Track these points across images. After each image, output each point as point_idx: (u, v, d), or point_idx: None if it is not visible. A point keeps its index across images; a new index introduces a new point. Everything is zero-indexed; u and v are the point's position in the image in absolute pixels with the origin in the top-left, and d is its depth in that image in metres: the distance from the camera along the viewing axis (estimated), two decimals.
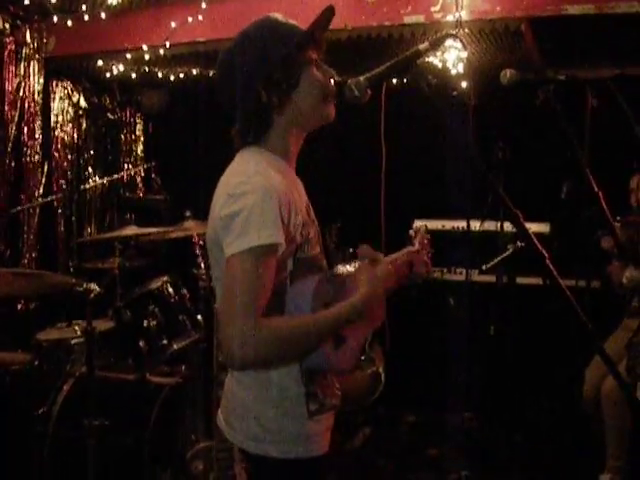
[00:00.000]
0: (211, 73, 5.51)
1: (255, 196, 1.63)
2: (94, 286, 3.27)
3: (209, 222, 1.79)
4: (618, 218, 3.65)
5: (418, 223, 2.42)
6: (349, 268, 1.84)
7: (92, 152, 5.92)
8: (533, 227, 4.39)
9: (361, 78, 1.74)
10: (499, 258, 4.00)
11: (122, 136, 6.29)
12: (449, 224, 4.92)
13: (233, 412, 1.84)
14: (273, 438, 1.76)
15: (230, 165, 1.84)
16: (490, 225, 4.33)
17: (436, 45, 1.74)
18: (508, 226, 4.02)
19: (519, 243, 3.93)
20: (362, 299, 1.72)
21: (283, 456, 1.76)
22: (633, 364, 3.49)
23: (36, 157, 5.18)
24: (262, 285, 1.60)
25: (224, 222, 1.66)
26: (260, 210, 1.62)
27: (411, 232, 2.43)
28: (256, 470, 1.79)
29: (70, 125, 5.68)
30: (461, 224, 4.84)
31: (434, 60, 4.32)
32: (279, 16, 1.87)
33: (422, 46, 1.73)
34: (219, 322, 1.61)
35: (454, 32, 3.89)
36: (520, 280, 4.32)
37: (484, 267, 4.03)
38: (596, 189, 2.42)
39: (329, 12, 1.83)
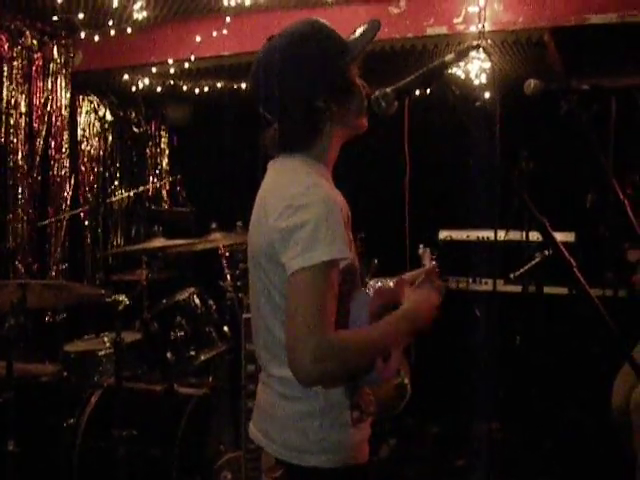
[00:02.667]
0: (235, 86, 5.57)
1: (319, 209, 1.60)
2: (123, 298, 3.30)
3: (256, 232, 1.76)
4: None
5: (421, 247, 2.42)
6: (389, 282, 1.85)
7: (118, 165, 5.99)
8: (558, 236, 4.36)
9: (388, 90, 1.74)
10: (527, 266, 3.98)
11: (147, 149, 6.36)
12: (474, 234, 4.92)
13: (272, 424, 1.81)
14: (318, 448, 1.74)
15: (274, 173, 1.81)
16: (515, 235, 4.32)
17: (461, 56, 1.75)
18: (533, 235, 4.01)
19: (546, 251, 3.91)
20: (414, 308, 1.71)
21: (329, 465, 1.74)
22: None
23: (63, 171, 5.25)
24: (332, 299, 1.58)
25: (284, 234, 1.61)
26: (327, 223, 1.58)
27: (420, 251, 2.43)
28: None
29: (96, 139, 5.76)
30: (486, 234, 4.83)
31: (457, 71, 4.34)
32: (326, 22, 1.82)
33: (448, 57, 1.74)
34: (288, 338, 1.58)
35: (479, 42, 3.90)
36: (547, 290, 4.31)
37: (512, 276, 4.01)
38: (622, 198, 2.41)
39: (377, 26, 1.82)
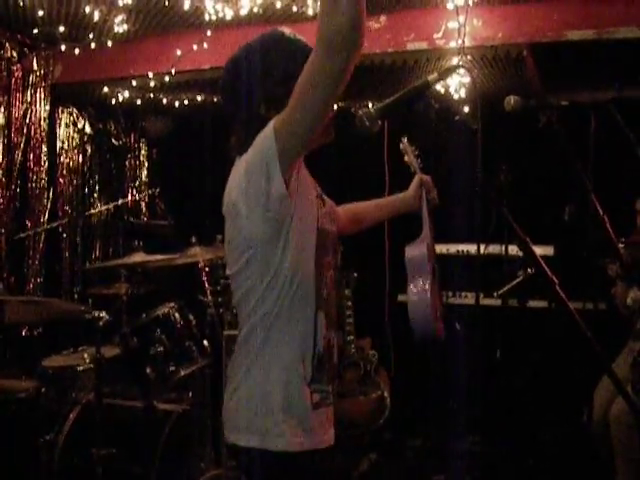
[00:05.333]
0: (215, 99, 5.56)
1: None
2: (103, 314, 3.27)
3: (226, 200, 1.82)
4: (622, 239, 3.67)
5: (403, 141, 2.48)
6: None
7: (97, 178, 5.96)
8: (537, 250, 4.39)
9: (371, 109, 1.75)
10: (510, 285, 4.00)
11: (127, 162, 6.33)
12: (453, 248, 4.93)
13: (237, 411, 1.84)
14: (279, 431, 1.76)
15: (234, 171, 1.85)
16: (495, 248, 4.34)
17: (444, 76, 1.77)
18: (513, 249, 4.03)
19: (529, 269, 3.93)
20: None
21: (288, 449, 1.76)
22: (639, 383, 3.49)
23: (42, 183, 5.21)
24: None
25: (246, 173, 1.72)
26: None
27: (401, 146, 2.54)
28: (262, 465, 1.78)
29: (75, 151, 5.72)
30: (466, 247, 4.85)
31: (437, 85, 4.36)
32: (287, 31, 1.87)
33: (431, 77, 1.75)
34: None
35: (461, 63, 3.93)
36: (528, 303, 4.33)
37: (496, 294, 4.04)
38: (601, 212, 2.44)
39: None
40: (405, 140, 2.51)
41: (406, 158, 2.52)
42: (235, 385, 1.85)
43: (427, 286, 2.28)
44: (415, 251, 2.37)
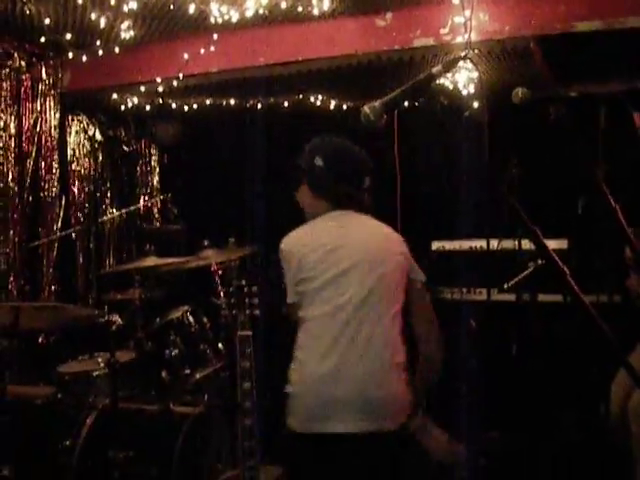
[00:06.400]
0: (224, 102, 5.58)
1: None
2: (116, 317, 3.29)
3: (377, 247, 2.57)
4: (631, 230, 3.63)
5: None
6: None
7: (109, 184, 5.98)
8: (551, 244, 4.37)
9: (376, 103, 1.75)
10: (520, 276, 3.97)
11: (138, 168, 6.35)
12: (466, 244, 4.91)
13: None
14: None
15: (369, 219, 2.63)
16: (508, 243, 4.31)
17: (449, 67, 1.75)
18: (526, 244, 4.00)
19: (540, 260, 3.90)
20: None
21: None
22: None
23: (54, 191, 5.23)
24: None
25: (407, 255, 2.58)
26: None
27: None
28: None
29: (86, 158, 5.75)
30: (478, 243, 4.83)
31: (445, 82, 4.35)
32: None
33: (435, 69, 1.74)
34: (433, 332, 2.60)
35: (465, 53, 3.91)
36: (541, 297, 4.30)
37: (506, 286, 4.00)
38: (613, 203, 2.41)
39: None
40: None
41: None
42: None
43: None
44: None
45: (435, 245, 5.02)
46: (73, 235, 5.42)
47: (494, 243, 4.38)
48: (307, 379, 2.47)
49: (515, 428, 4.39)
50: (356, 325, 2.42)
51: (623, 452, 3.84)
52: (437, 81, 1.82)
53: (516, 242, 4.17)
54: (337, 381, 2.39)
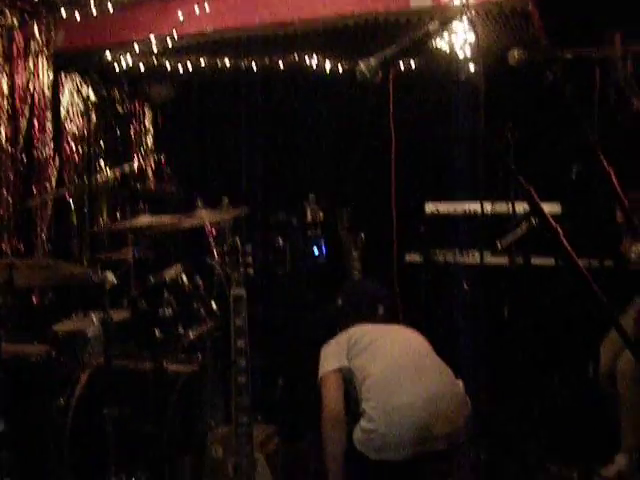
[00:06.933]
0: (219, 63, 5.53)
1: None
2: (110, 276, 3.30)
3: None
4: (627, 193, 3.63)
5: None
6: None
7: (102, 144, 5.95)
8: (545, 207, 4.37)
9: (371, 60, 1.74)
10: (514, 233, 3.95)
11: (131, 128, 6.31)
12: (460, 207, 4.91)
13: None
14: None
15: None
16: (501, 206, 4.31)
17: (445, 24, 1.74)
18: (519, 206, 4.00)
19: (533, 220, 3.90)
20: None
21: None
22: None
23: (47, 150, 5.20)
24: None
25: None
26: None
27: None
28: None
29: (80, 118, 5.70)
30: (472, 206, 4.83)
31: (441, 44, 4.32)
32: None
33: (431, 26, 1.73)
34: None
35: (462, 10, 3.88)
36: (534, 260, 4.31)
37: (498, 244, 4.00)
38: (607, 168, 2.42)
39: None
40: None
41: None
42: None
43: None
44: None
45: (429, 207, 5.00)
46: (67, 195, 5.40)
47: (487, 206, 4.38)
48: None
49: (504, 390, 4.44)
50: None
51: (611, 413, 3.90)
52: (433, 40, 1.81)
53: (509, 205, 4.17)
54: None
